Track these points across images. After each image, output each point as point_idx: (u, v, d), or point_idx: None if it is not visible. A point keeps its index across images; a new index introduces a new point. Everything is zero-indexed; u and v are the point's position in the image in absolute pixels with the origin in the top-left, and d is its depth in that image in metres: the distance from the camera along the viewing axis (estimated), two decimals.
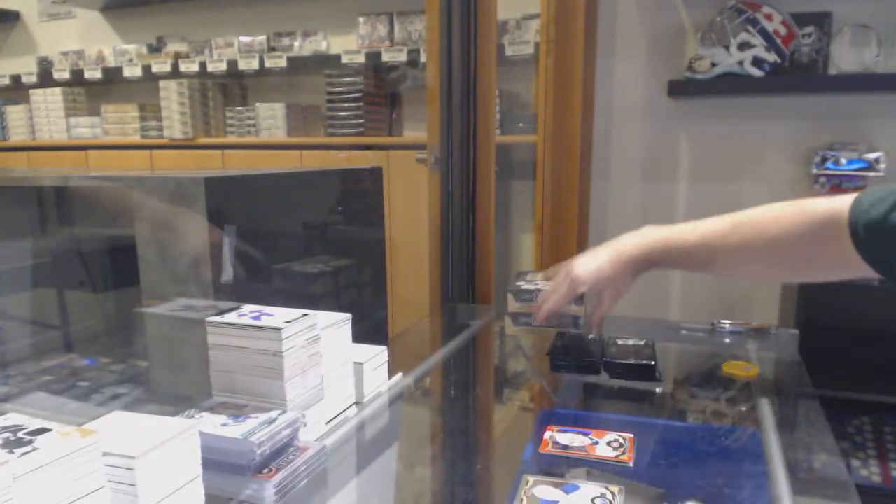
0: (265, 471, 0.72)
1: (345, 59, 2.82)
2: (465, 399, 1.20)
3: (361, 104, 2.79)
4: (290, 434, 0.77)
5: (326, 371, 0.87)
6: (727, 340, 1.36)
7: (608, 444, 0.85)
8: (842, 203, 0.82)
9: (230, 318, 0.81)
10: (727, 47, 2.03)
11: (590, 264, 1.06)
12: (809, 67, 2.06)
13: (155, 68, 3.21)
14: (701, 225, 1.00)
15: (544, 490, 0.70)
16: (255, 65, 3.00)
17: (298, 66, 2.96)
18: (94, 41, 3.57)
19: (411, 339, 1.51)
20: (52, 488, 0.52)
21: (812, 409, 1.01)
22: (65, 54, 3.53)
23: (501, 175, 1.95)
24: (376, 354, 1.00)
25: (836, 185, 1.99)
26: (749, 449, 0.93)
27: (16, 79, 3.65)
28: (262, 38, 3.09)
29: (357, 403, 0.96)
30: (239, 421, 0.75)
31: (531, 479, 0.73)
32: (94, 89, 3.56)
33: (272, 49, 3.10)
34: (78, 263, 1.22)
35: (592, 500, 0.69)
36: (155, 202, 0.92)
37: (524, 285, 1.44)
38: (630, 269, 1.05)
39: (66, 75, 3.45)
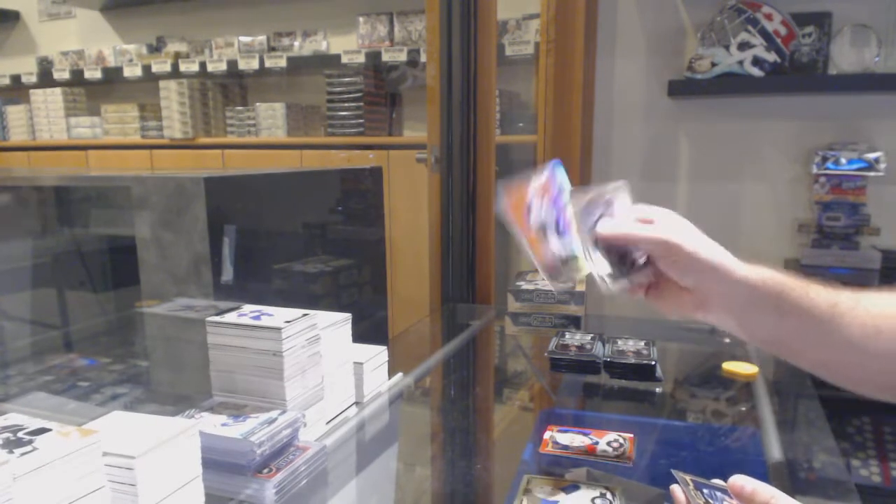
0: (265, 471, 0.72)
1: (345, 59, 2.82)
2: (465, 399, 1.19)
3: (361, 104, 2.79)
4: (290, 434, 0.77)
5: (326, 371, 0.87)
6: (727, 340, 1.36)
7: (608, 444, 0.85)
8: None
9: (230, 318, 0.81)
10: (727, 47, 2.03)
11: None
12: (809, 67, 2.06)
13: (155, 68, 3.21)
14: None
15: (544, 490, 0.70)
16: (255, 65, 3.00)
17: (298, 66, 2.96)
18: (94, 41, 3.57)
19: (411, 339, 1.51)
20: (53, 488, 0.52)
21: (812, 409, 1.01)
22: (65, 54, 3.53)
23: (501, 175, 1.95)
24: (376, 354, 1.00)
25: (837, 185, 1.99)
26: (749, 449, 0.93)
27: (16, 79, 3.65)
28: (262, 38, 3.09)
29: (357, 403, 0.96)
30: (239, 421, 0.75)
31: (531, 479, 0.73)
32: (94, 89, 3.56)
33: (272, 49, 3.10)
34: (78, 263, 1.22)
35: (592, 500, 0.69)
36: None
37: (524, 285, 1.44)
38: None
39: (66, 75, 3.45)
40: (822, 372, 0.69)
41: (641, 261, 0.70)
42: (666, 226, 0.68)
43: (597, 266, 0.68)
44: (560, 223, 0.71)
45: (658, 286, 0.72)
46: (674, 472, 0.63)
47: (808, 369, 0.72)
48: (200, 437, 0.65)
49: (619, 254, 0.69)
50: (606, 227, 0.68)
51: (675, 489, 0.62)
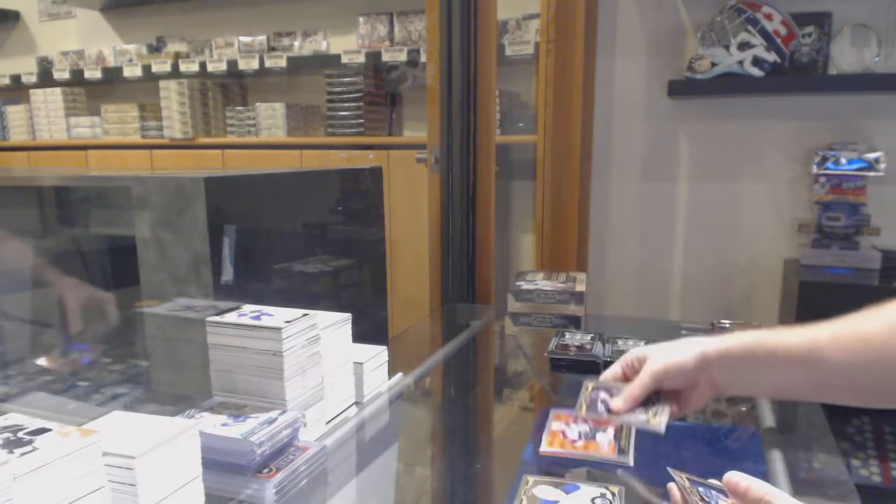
0: (265, 471, 0.72)
1: (345, 59, 2.82)
2: (465, 399, 1.20)
3: (361, 104, 2.79)
4: (290, 434, 0.77)
5: (326, 371, 0.87)
6: None
7: (608, 443, 0.85)
8: None
9: (230, 318, 0.81)
10: (727, 47, 2.03)
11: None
12: (809, 67, 2.06)
13: (155, 68, 3.20)
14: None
15: (544, 490, 0.70)
16: (255, 65, 3.00)
17: (298, 66, 2.96)
18: (94, 41, 3.57)
19: (411, 339, 1.51)
20: (52, 488, 0.52)
21: (812, 409, 1.01)
22: (65, 54, 3.53)
23: (501, 175, 1.95)
24: (376, 354, 1.00)
25: (837, 185, 1.99)
26: (749, 449, 0.93)
27: (16, 79, 3.65)
28: (262, 38, 3.09)
29: (357, 403, 0.96)
30: (239, 421, 0.75)
31: (531, 479, 0.73)
32: (94, 89, 3.56)
33: (272, 49, 3.10)
34: (78, 263, 1.22)
35: (592, 500, 0.69)
36: None
37: (524, 285, 1.44)
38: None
39: (66, 75, 3.45)
40: (833, 400, 0.75)
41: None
42: (648, 363, 0.82)
43: (640, 424, 0.81)
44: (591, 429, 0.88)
45: (679, 398, 0.83)
46: (670, 470, 0.63)
47: (826, 402, 0.80)
48: (200, 437, 0.65)
49: (642, 404, 0.83)
50: (619, 407, 0.81)
51: (672, 487, 0.62)
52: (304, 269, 1.19)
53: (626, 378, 0.87)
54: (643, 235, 2.39)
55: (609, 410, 0.81)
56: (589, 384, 0.88)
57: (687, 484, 0.61)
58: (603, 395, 0.86)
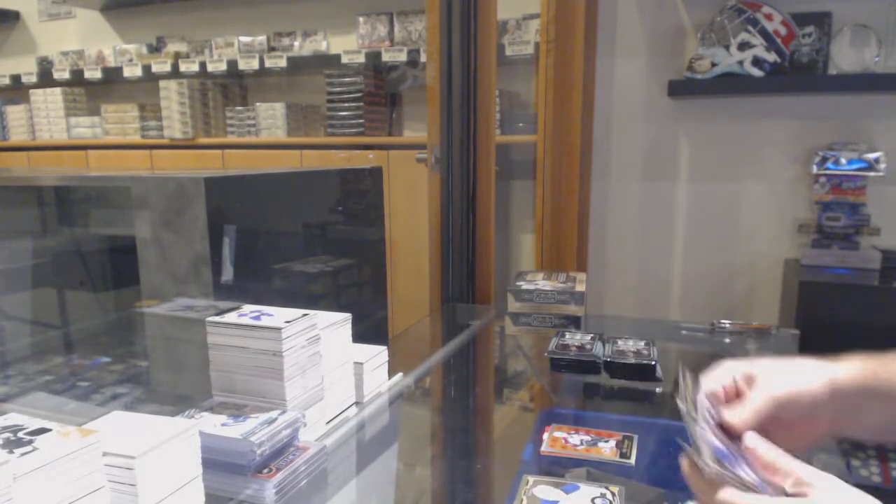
0: (265, 471, 0.72)
1: (345, 59, 2.82)
2: (465, 399, 1.20)
3: (361, 104, 2.79)
4: (290, 434, 0.77)
5: (326, 371, 0.87)
6: (727, 340, 1.35)
7: (608, 444, 0.85)
8: None
9: (230, 318, 0.81)
10: (727, 47, 2.03)
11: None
12: (809, 67, 2.06)
13: (155, 68, 3.20)
14: None
15: (544, 490, 0.70)
16: (255, 65, 3.00)
17: (298, 66, 2.96)
18: (94, 41, 3.57)
19: (411, 339, 1.51)
20: (52, 488, 0.52)
21: None
22: (65, 54, 3.53)
23: (501, 175, 1.96)
24: (376, 354, 1.00)
25: (837, 185, 1.99)
26: None
27: (16, 79, 3.65)
28: (262, 38, 3.09)
29: (357, 403, 0.96)
30: (239, 421, 0.75)
31: (531, 479, 0.73)
32: (94, 89, 3.56)
33: (272, 49, 3.10)
34: (78, 263, 1.22)
35: (592, 500, 0.69)
36: None
37: (524, 285, 1.44)
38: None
39: (66, 75, 3.45)
40: None
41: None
42: (765, 384, 0.62)
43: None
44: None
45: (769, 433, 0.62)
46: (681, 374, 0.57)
47: None
48: (200, 437, 0.65)
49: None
50: (736, 424, 0.59)
51: (684, 462, 0.56)
52: (304, 269, 1.19)
53: (728, 401, 0.63)
54: (643, 235, 2.39)
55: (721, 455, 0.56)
56: (695, 385, 0.62)
57: (689, 383, 0.56)
58: (711, 414, 0.60)
